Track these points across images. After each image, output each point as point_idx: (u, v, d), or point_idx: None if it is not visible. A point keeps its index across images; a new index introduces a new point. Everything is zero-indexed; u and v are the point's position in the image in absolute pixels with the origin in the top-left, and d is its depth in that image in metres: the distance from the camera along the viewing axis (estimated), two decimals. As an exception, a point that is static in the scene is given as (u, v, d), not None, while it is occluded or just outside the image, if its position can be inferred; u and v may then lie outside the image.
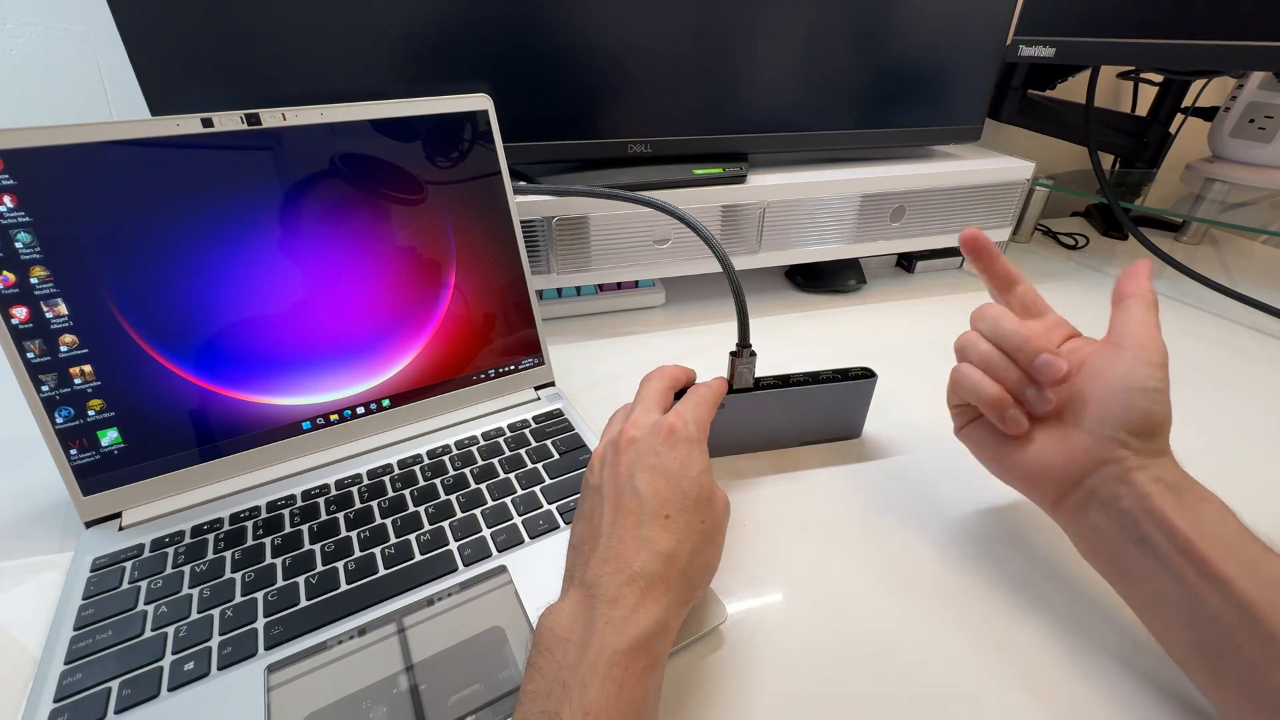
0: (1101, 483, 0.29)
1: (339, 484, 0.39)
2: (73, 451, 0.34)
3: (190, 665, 0.28)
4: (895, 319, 0.64)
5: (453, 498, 0.38)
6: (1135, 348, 0.30)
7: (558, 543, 0.35)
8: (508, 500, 0.37)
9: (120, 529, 0.36)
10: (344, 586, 0.32)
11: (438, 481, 0.39)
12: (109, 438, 0.35)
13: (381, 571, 0.33)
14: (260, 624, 0.30)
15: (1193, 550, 0.25)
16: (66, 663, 0.28)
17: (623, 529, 0.26)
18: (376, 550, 0.34)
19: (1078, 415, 0.31)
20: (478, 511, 0.37)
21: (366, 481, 0.39)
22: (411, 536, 0.35)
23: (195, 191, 0.35)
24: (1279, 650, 0.23)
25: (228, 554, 0.34)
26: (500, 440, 0.42)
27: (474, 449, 0.42)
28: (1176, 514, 0.26)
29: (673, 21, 0.54)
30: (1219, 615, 0.24)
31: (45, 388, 0.33)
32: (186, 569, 0.33)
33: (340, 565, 0.33)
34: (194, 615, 0.31)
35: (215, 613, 0.31)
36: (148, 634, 0.30)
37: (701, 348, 0.57)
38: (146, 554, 0.34)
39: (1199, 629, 0.25)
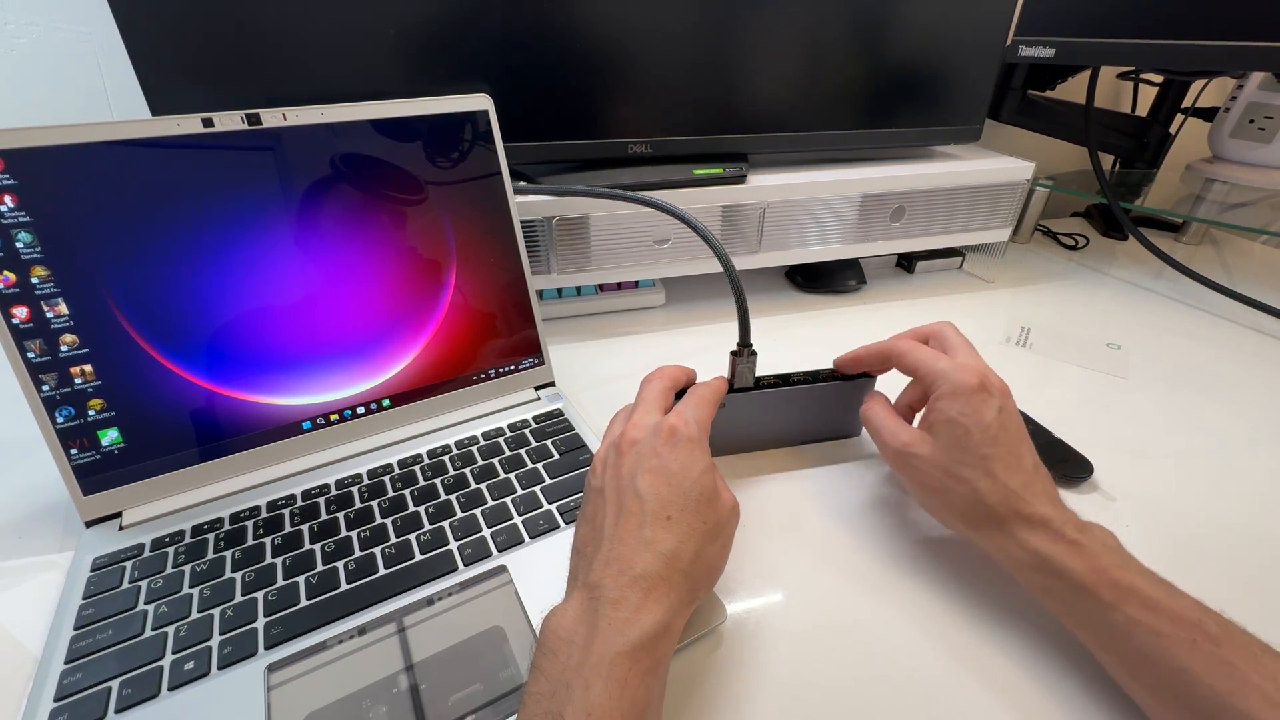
0: (1024, 573, 0.31)
1: (339, 484, 0.39)
2: (73, 451, 0.34)
3: (190, 665, 0.28)
4: (895, 319, 0.64)
5: (453, 497, 0.38)
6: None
7: (558, 542, 0.35)
8: (508, 500, 0.37)
9: (120, 529, 0.36)
10: (344, 586, 0.32)
11: (438, 481, 0.39)
12: (109, 437, 0.35)
13: (381, 571, 0.33)
14: (260, 623, 0.30)
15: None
16: (67, 662, 0.28)
17: (625, 530, 0.26)
18: (377, 550, 0.34)
19: None
20: (478, 511, 0.37)
21: (367, 481, 0.39)
22: (412, 536, 0.35)
23: (196, 191, 0.35)
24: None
25: (228, 553, 0.34)
26: (500, 440, 0.42)
27: (474, 449, 0.42)
28: (1076, 561, 0.28)
29: (673, 22, 0.54)
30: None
31: (46, 387, 0.33)
32: (187, 568, 0.33)
33: (340, 565, 0.33)
34: (194, 615, 0.31)
35: (215, 612, 0.31)
36: (148, 633, 0.30)
37: (702, 348, 0.57)
38: (147, 553, 0.34)
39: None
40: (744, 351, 0.39)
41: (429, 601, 0.31)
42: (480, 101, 0.42)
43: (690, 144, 0.59)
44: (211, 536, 0.35)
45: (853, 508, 0.39)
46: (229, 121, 0.36)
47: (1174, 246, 0.84)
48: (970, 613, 0.32)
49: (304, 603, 0.31)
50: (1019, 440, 0.32)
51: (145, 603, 0.31)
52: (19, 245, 0.32)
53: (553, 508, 0.37)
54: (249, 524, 0.36)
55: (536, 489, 0.38)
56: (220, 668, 0.28)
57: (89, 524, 0.36)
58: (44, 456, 0.34)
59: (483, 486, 0.38)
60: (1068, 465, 0.41)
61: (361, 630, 0.30)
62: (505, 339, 0.46)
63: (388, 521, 0.36)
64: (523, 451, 0.41)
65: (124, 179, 0.34)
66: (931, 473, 0.32)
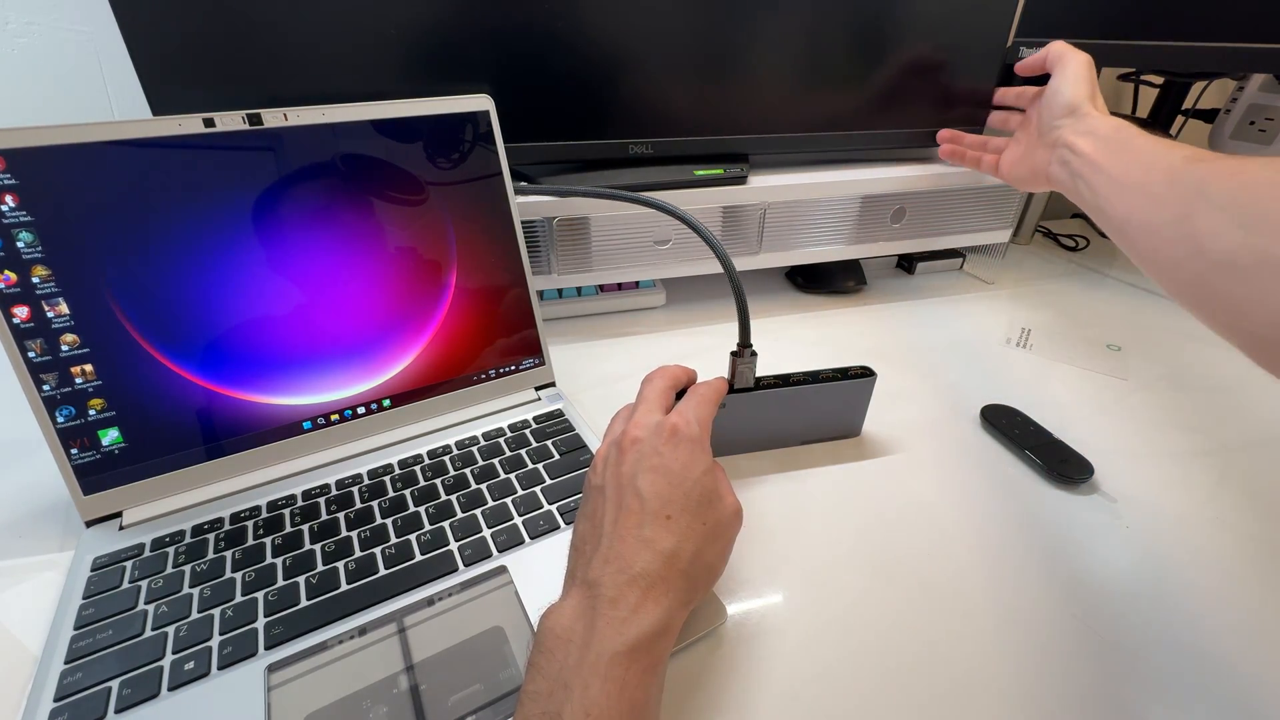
0: (1054, 155, 0.44)
1: (339, 484, 0.39)
2: (73, 451, 0.34)
3: (190, 665, 0.28)
4: (895, 320, 0.64)
5: (453, 498, 0.38)
6: (1056, 81, 0.48)
7: (558, 543, 0.35)
8: (508, 500, 0.37)
9: (121, 528, 0.36)
10: (344, 586, 0.32)
11: (438, 482, 0.39)
12: (110, 437, 0.35)
13: (382, 571, 0.33)
14: (260, 624, 0.30)
15: (1091, 161, 0.39)
16: (67, 662, 0.28)
17: (624, 529, 0.26)
18: (377, 550, 0.34)
19: (1035, 132, 0.49)
20: (478, 512, 0.37)
21: (367, 481, 0.39)
22: (412, 536, 0.35)
23: (197, 191, 0.35)
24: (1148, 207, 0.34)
25: (228, 553, 0.34)
26: (501, 440, 0.42)
27: (474, 449, 0.42)
28: (1085, 144, 0.40)
29: (674, 22, 0.54)
30: (1101, 204, 0.38)
31: (46, 387, 0.33)
32: (187, 568, 0.33)
33: (340, 565, 0.33)
34: (194, 615, 0.31)
35: (215, 612, 0.31)
36: (148, 633, 0.30)
37: (702, 348, 0.57)
38: (147, 553, 0.34)
39: (1110, 226, 0.37)
40: (744, 352, 0.39)
41: (429, 602, 0.31)
42: (481, 102, 0.43)
43: (691, 144, 0.59)
44: (212, 536, 0.35)
45: (852, 507, 0.39)
46: (230, 121, 0.36)
47: (1174, 248, 0.84)
48: (971, 609, 0.32)
49: (304, 603, 0.31)
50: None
51: (145, 603, 0.31)
52: (20, 245, 0.32)
53: (553, 508, 0.37)
54: (249, 524, 0.36)
55: (537, 489, 0.38)
56: (220, 668, 0.28)
57: (89, 524, 0.36)
58: (44, 456, 0.34)
59: (483, 487, 0.38)
60: (1068, 466, 0.41)
61: (362, 630, 0.30)
62: (506, 339, 0.46)
63: (388, 522, 0.36)
64: (523, 452, 0.41)
65: (125, 179, 0.34)
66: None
